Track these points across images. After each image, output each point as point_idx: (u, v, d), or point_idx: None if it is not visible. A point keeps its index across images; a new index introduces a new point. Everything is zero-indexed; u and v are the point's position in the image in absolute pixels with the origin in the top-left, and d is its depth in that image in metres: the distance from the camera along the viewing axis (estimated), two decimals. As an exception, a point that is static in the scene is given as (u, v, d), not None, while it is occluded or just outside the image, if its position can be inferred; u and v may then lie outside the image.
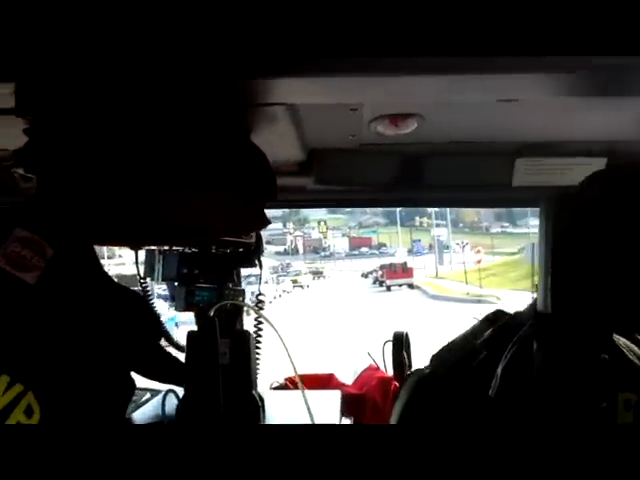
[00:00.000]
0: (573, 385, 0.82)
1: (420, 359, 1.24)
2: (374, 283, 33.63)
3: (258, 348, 1.29)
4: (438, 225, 48.26)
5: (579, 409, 0.81)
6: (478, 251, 27.58)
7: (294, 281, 33.92)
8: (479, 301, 18.37)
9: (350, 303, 21.13)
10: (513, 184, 1.21)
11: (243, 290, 1.30)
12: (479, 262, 25.73)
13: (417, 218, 59.35)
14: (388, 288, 28.71)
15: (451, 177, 1.25)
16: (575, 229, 0.85)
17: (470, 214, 63.56)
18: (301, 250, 69.85)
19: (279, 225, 69.88)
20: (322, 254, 68.28)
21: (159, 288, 2.21)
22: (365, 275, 42.14)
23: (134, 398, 1.28)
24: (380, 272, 32.26)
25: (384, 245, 66.54)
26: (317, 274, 48.67)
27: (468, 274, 25.57)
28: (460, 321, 1.38)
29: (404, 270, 29.82)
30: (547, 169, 1.19)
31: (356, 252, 67.41)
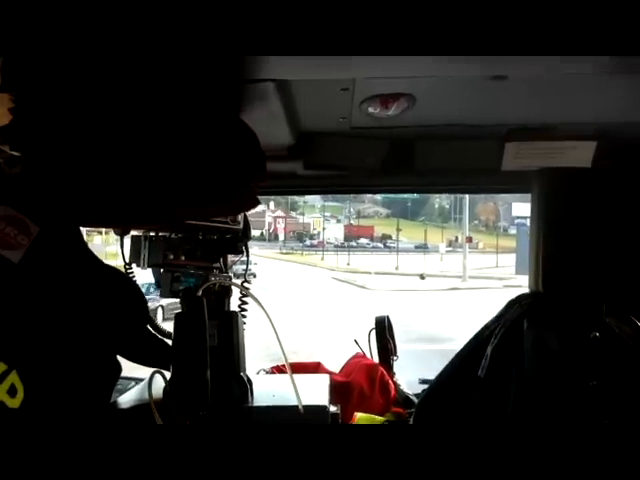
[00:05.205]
0: (564, 363, 0.86)
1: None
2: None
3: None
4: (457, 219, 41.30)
5: (569, 387, 0.85)
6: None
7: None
8: None
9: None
10: (502, 168, 1.26)
11: (230, 276, 1.36)
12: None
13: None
14: None
15: (441, 161, 1.30)
16: (567, 209, 0.88)
17: (486, 211, 56.68)
18: (281, 236, 56.67)
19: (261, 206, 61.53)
20: (308, 242, 54.59)
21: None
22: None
23: (118, 387, 1.31)
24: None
25: (389, 237, 55.07)
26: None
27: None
28: None
29: None
30: (537, 153, 1.23)
31: (353, 244, 53.64)
